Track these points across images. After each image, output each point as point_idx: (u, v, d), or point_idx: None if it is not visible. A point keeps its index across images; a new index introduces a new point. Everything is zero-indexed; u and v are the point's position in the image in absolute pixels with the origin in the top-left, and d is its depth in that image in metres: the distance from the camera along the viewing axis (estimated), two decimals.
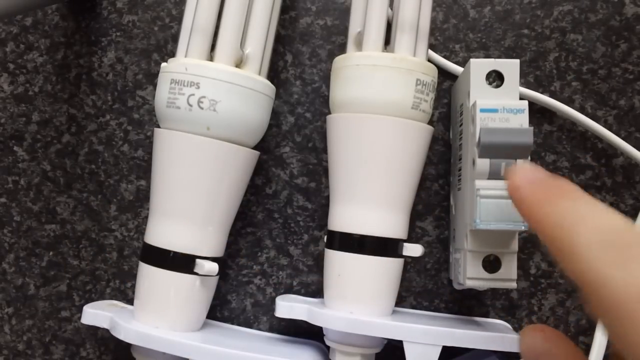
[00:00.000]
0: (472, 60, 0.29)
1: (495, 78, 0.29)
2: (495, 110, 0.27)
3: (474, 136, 0.27)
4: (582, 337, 0.33)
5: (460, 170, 0.31)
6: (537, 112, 0.34)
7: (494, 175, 0.27)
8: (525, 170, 0.20)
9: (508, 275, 0.28)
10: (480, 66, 0.29)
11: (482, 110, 0.27)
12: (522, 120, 0.27)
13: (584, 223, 0.18)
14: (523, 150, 0.26)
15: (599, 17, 0.34)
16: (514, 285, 0.28)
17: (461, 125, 0.30)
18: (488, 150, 0.25)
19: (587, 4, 0.34)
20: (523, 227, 0.26)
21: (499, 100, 0.27)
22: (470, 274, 0.28)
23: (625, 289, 0.16)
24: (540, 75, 0.34)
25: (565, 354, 0.21)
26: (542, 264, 0.33)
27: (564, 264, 0.18)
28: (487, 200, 0.26)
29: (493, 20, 0.34)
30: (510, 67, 0.29)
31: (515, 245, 0.28)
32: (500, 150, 0.26)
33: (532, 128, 0.26)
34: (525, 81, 0.34)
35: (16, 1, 0.30)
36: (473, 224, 0.27)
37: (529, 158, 0.26)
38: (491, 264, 0.29)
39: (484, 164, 0.26)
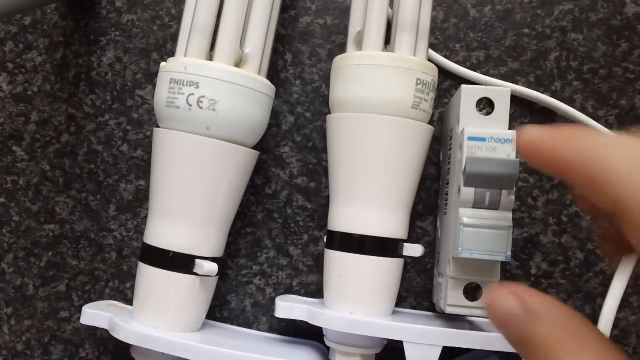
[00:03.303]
0: (463, 86, 0.29)
1: (486, 105, 0.29)
2: (483, 139, 0.27)
3: (461, 163, 0.27)
4: None
5: (447, 195, 0.30)
6: (538, 112, 0.34)
7: (478, 204, 0.26)
8: (531, 128, 0.20)
9: None
10: (471, 92, 0.29)
11: (470, 139, 0.27)
12: (508, 151, 0.27)
13: (612, 149, 0.18)
14: (509, 181, 0.25)
15: (600, 17, 0.34)
16: None
17: (450, 149, 0.30)
18: (473, 179, 0.25)
19: (587, 3, 0.34)
20: (504, 258, 0.26)
21: (487, 129, 0.27)
22: (450, 301, 0.28)
23: None
24: (541, 75, 0.34)
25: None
26: (543, 264, 0.33)
27: (599, 194, 0.18)
28: (470, 230, 0.26)
29: (494, 20, 0.34)
30: (501, 96, 0.28)
31: (497, 275, 0.28)
32: (486, 181, 0.26)
33: (518, 160, 0.26)
34: (526, 81, 0.34)
35: (15, 1, 0.30)
36: (456, 252, 0.27)
37: (515, 189, 0.26)
38: (473, 292, 0.28)
39: (469, 192, 0.26)
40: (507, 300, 0.21)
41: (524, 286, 0.22)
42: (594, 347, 0.19)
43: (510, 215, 0.26)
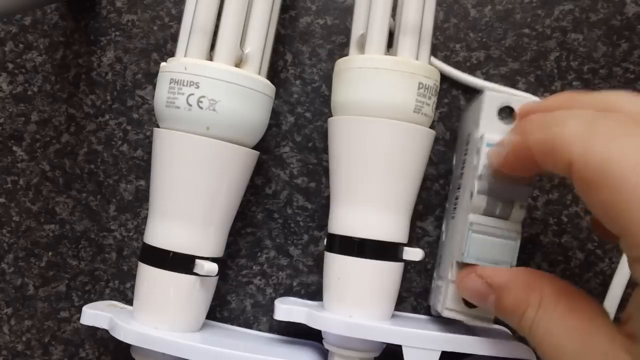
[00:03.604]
0: (486, 92, 0.28)
1: (508, 114, 0.28)
2: None
3: (477, 168, 0.27)
4: None
5: (457, 199, 0.30)
6: None
7: (489, 212, 0.26)
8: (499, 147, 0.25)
9: (486, 314, 0.28)
10: (493, 99, 0.28)
11: (488, 145, 0.27)
12: None
13: (567, 123, 0.20)
14: (524, 194, 0.26)
15: (600, 17, 0.34)
16: (490, 324, 0.28)
17: (466, 154, 0.30)
18: (489, 190, 0.26)
19: (588, 3, 0.34)
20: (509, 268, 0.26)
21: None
22: (449, 305, 0.28)
23: (623, 159, 0.18)
24: (541, 75, 0.34)
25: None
26: (543, 264, 0.33)
27: (557, 162, 0.20)
28: (479, 236, 0.26)
29: (494, 20, 0.34)
30: None
31: None
32: (501, 190, 0.26)
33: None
34: (526, 81, 0.34)
35: (15, 0, 0.30)
36: (461, 256, 0.27)
37: (527, 202, 0.26)
38: None
39: (481, 199, 0.26)
40: (470, 281, 0.25)
41: (487, 267, 0.25)
42: (557, 296, 0.21)
43: (519, 226, 0.26)
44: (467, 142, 0.30)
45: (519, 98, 0.28)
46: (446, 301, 0.28)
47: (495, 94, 0.28)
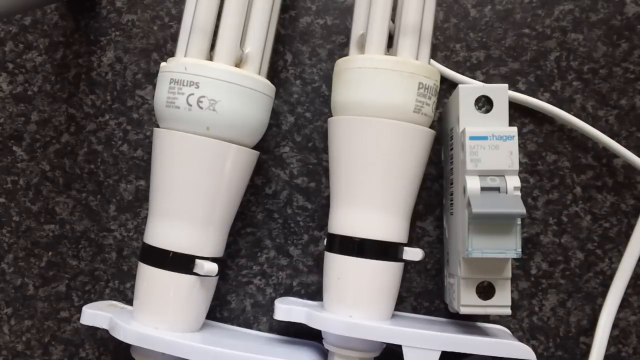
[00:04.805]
0: (460, 86, 0.29)
1: (485, 103, 0.29)
2: (485, 138, 0.27)
3: (464, 163, 0.27)
4: (582, 337, 0.33)
5: (452, 195, 0.30)
6: (539, 112, 0.34)
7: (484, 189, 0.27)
8: None
9: (502, 302, 0.28)
10: (469, 92, 0.29)
11: (471, 138, 0.27)
12: (511, 147, 0.27)
13: None
14: (515, 216, 0.26)
15: (600, 17, 0.34)
16: (508, 311, 0.28)
17: (452, 149, 0.30)
18: (480, 218, 0.26)
19: (588, 3, 0.34)
20: (515, 255, 0.26)
21: (488, 127, 0.27)
22: (464, 301, 0.28)
23: None
24: (541, 75, 0.34)
25: None
26: (543, 264, 0.33)
27: None
28: (479, 229, 0.27)
29: (494, 20, 0.34)
30: (499, 92, 0.29)
31: (508, 272, 0.28)
32: (492, 218, 0.26)
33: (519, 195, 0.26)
34: (526, 81, 0.34)
35: (15, 0, 0.30)
36: (465, 252, 0.27)
37: (520, 221, 0.27)
38: (485, 290, 0.29)
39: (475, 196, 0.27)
40: None
41: None
42: None
43: (519, 199, 0.27)
44: (450, 137, 0.31)
45: (492, 87, 0.28)
46: (461, 298, 0.28)
47: (468, 86, 0.29)
